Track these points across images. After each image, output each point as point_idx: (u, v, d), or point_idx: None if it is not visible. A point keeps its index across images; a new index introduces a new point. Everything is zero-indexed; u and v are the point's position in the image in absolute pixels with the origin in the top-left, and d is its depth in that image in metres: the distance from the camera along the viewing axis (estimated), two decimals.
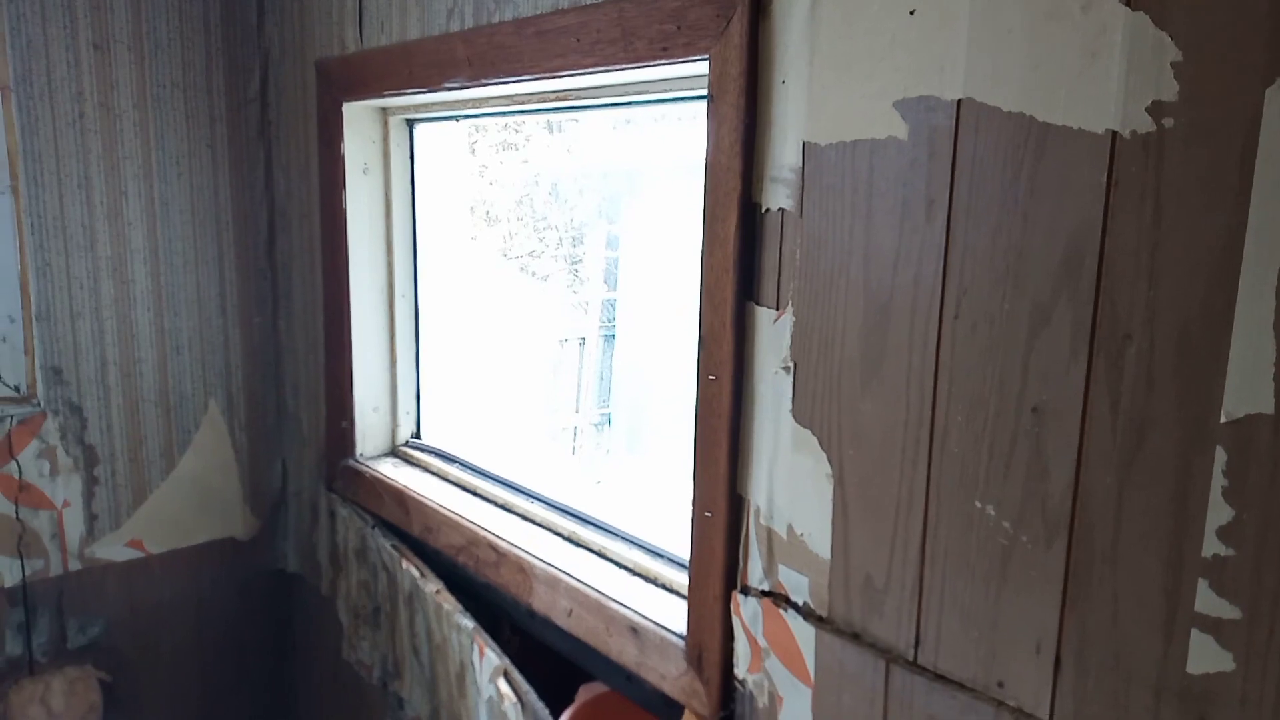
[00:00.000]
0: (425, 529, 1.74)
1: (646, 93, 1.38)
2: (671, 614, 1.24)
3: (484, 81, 1.48)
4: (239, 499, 2.17)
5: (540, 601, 1.45)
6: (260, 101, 2.05)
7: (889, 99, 0.91)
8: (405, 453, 1.97)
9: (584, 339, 5.33)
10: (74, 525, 1.97)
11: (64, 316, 1.89)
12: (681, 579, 1.27)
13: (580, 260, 5.48)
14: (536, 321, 4.98)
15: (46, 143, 1.82)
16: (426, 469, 1.89)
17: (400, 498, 1.79)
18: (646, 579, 1.34)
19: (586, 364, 5.29)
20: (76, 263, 1.88)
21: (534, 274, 5.06)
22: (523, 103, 1.60)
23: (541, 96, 1.54)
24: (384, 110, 1.83)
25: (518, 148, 4.76)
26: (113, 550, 2.02)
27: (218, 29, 1.97)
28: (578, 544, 1.52)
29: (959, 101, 0.85)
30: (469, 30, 1.48)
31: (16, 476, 1.89)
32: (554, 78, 1.38)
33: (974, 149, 0.85)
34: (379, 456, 1.97)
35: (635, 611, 1.25)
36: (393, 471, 1.88)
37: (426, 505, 1.73)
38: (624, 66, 1.24)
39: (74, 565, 1.98)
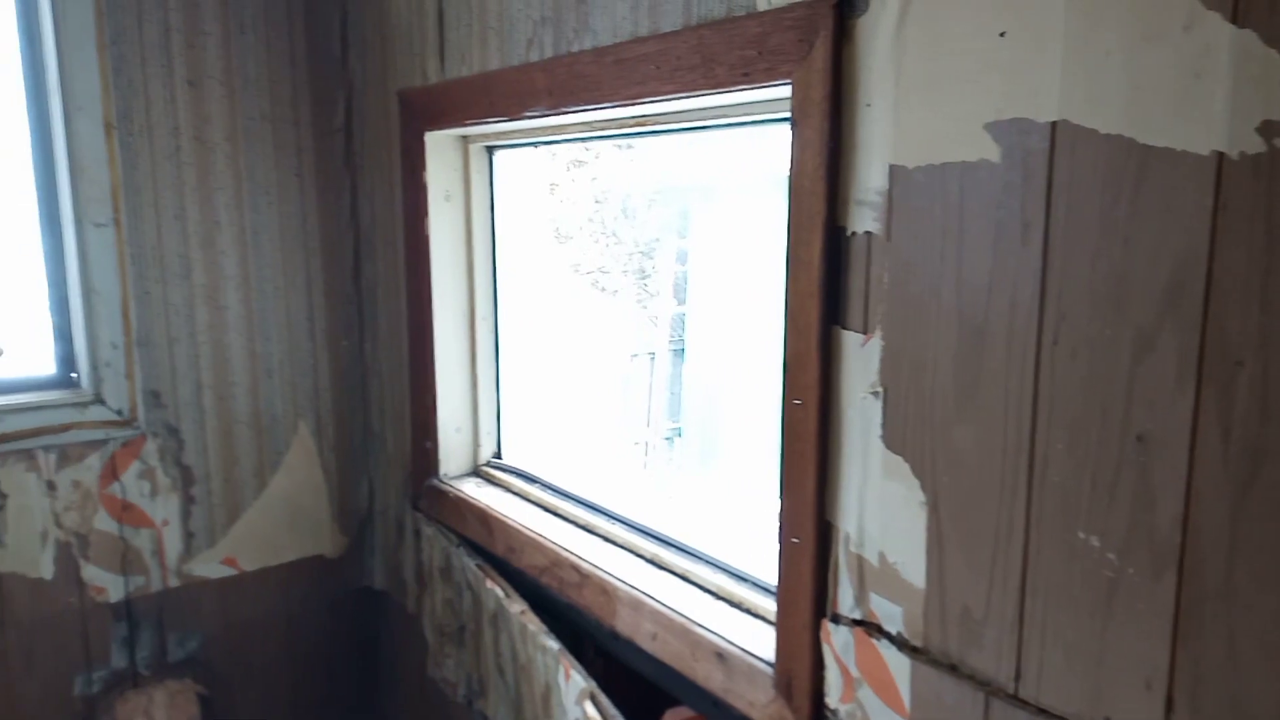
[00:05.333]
0: (508, 549, 1.76)
1: (726, 117, 1.39)
2: (759, 640, 1.23)
3: (563, 109, 1.50)
4: (328, 517, 2.23)
5: (624, 624, 1.46)
6: (345, 132, 2.11)
7: (979, 121, 0.90)
8: (487, 472, 2.00)
9: (654, 354, 5.35)
10: (173, 543, 2.05)
11: (162, 342, 1.97)
12: (767, 605, 1.26)
13: (650, 275, 5.50)
14: (607, 337, 5.01)
15: (145, 176, 1.90)
16: (508, 489, 1.92)
17: (483, 517, 1.82)
18: (731, 604, 1.33)
19: (656, 379, 5.30)
20: (173, 290, 1.97)
21: (604, 289, 5.10)
22: (601, 129, 1.62)
23: (620, 123, 1.55)
24: (465, 138, 1.87)
25: (587, 164, 4.81)
26: (209, 567, 2.10)
27: (304, 63, 2.04)
28: (660, 566, 1.52)
29: (1054, 124, 0.84)
30: (548, 60, 1.50)
31: (120, 496, 1.98)
32: (633, 104, 1.39)
33: (1070, 171, 0.83)
34: (462, 476, 2.00)
35: (721, 637, 1.25)
36: (475, 491, 1.91)
37: (509, 525, 1.76)
38: (704, 92, 1.25)
39: (173, 581, 2.06)
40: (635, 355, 5.23)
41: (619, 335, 5.13)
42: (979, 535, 0.93)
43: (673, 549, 1.52)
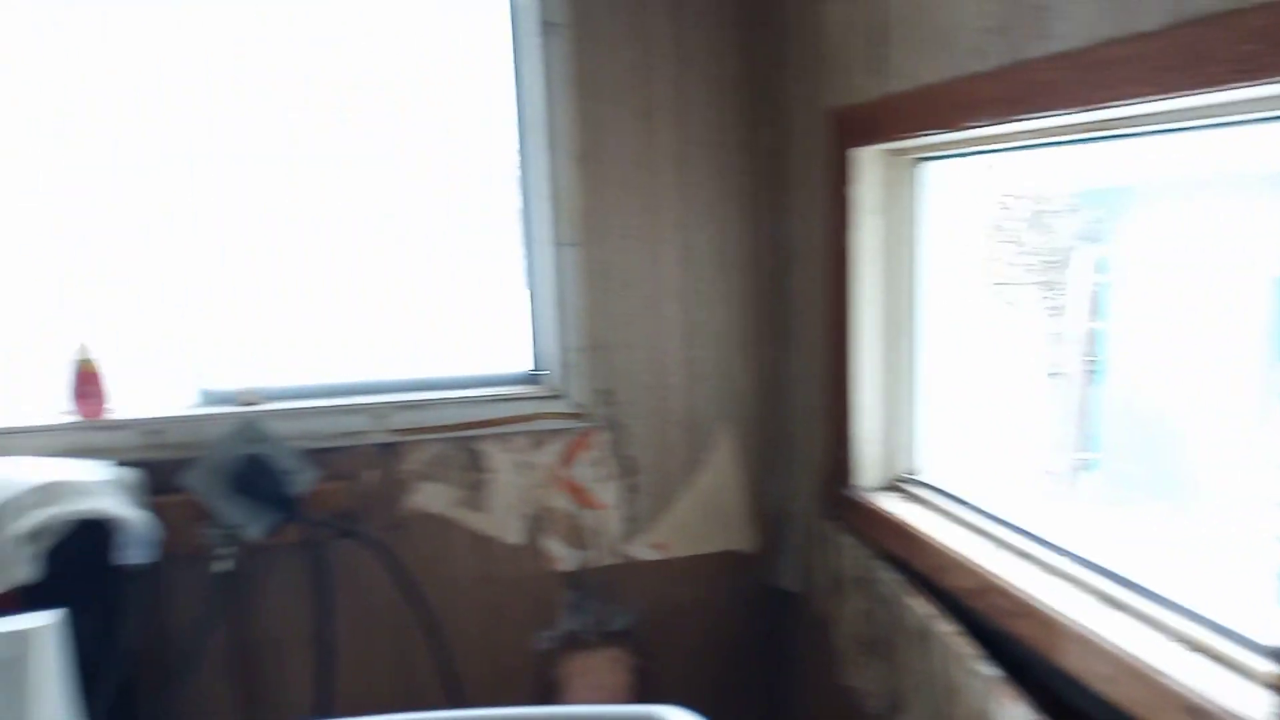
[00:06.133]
0: (932, 567, 1.74)
1: (1207, 117, 1.26)
2: (1244, 699, 1.10)
3: (1010, 118, 1.46)
4: (745, 516, 2.38)
5: (1069, 661, 1.37)
6: (776, 152, 2.24)
7: None
8: (903, 487, 2.00)
9: (1064, 374, 4.92)
10: (614, 525, 2.31)
11: (613, 346, 2.23)
12: (1256, 663, 1.13)
13: (1060, 287, 5.07)
14: (1012, 354, 4.71)
15: (606, 201, 2.17)
16: (928, 505, 1.90)
17: (903, 533, 1.82)
18: (1208, 655, 1.20)
19: (1068, 402, 4.86)
20: (625, 301, 2.22)
21: (1009, 302, 4.80)
22: (1048, 135, 1.55)
23: (1074, 128, 1.47)
24: (894, 152, 1.89)
25: (994, 168, 4.57)
26: (642, 550, 2.33)
27: (741, 90, 2.20)
28: (1114, 604, 1.41)
29: None
30: (997, 70, 1.47)
31: (575, 480, 2.27)
32: (1094, 110, 1.32)
33: None
34: (877, 489, 2.02)
35: (1194, 691, 1.13)
36: (892, 505, 1.92)
37: (933, 544, 1.73)
38: (1187, 92, 1.15)
39: (613, 559, 2.32)
40: (1047, 375, 4.86)
41: (1023, 352, 4.80)
42: None
43: (1127, 587, 1.40)
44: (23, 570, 1.64)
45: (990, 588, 1.56)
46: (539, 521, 2.26)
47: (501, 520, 2.24)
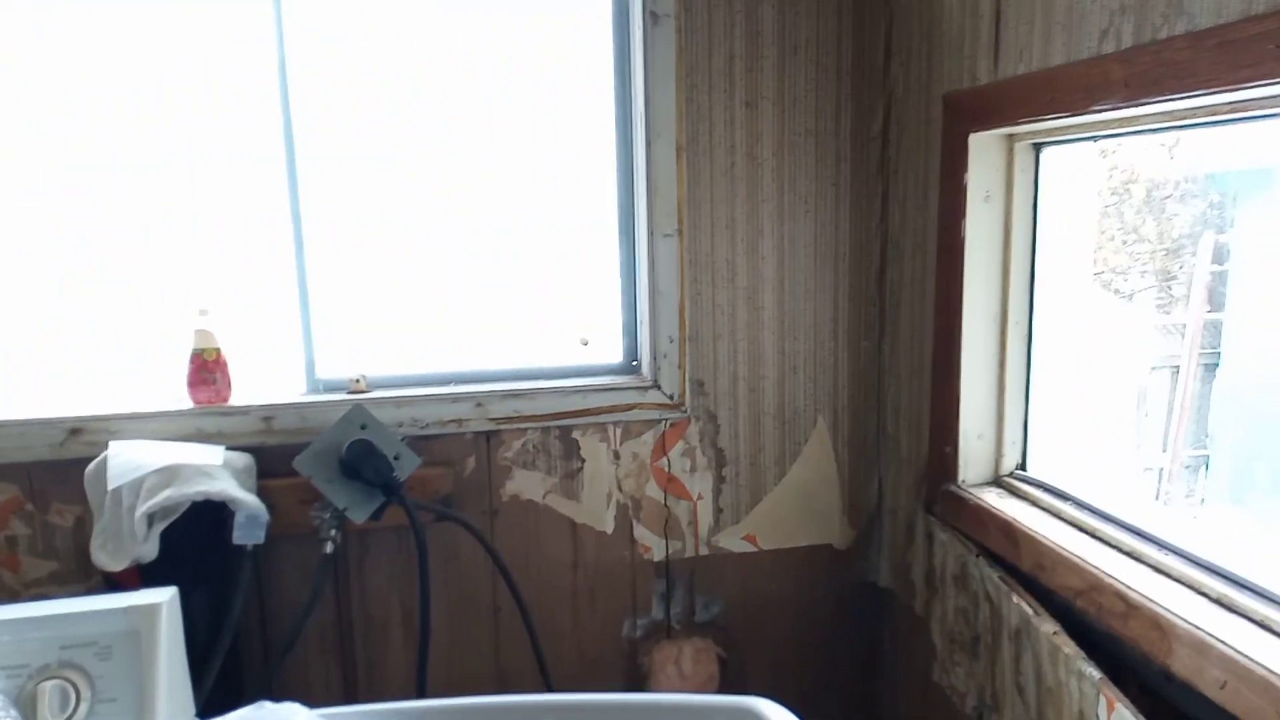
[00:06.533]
0: (1036, 566, 1.68)
1: None
2: None
3: (1140, 101, 1.38)
4: (838, 510, 2.33)
5: (1181, 665, 1.31)
6: (882, 139, 2.17)
7: None
8: (1010, 483, 1.93)
9: (1177, 367, 4.69)
10: (705, 516, 2.29)
11: (707, 338, 2.21)
12: None
13: (1175, 276, 4.83)
14: (1124, 346, 4.51)
15: (704, 191, 2.14)
16: (1035, 503, 1.83)
17: (1008, 530, 1.76)
18: None
19: (1180, 396, 4.64)
20: (720, 292, 2.19)
21: (1119, 292, 4.59)
22: (1180, 119, 1.46)
23: (1208, 110, 1.38)
24: (1010, 137, 1.81)
25: (1107, 154, 4.37)
26: (732, 541, 2.31)
27: (848, 76, 2.14)
28: (1231, 609, 1.34)
29: None
30: (1127, 50, 1.39)
31: (666, 470, 2.26)
32: (1235, 90, 1.24)
33: None
34: (982, 485, 1.95)
35: None
36: (998, 502, 1.86)
37: (1038, 541, 1.68)
38: None
39: (703, 550, 2.31)
40: (1155, 368, 4.64)
41: (1136, 345, 4.59)
42: None
43: (1245, 590, 1.33)
44: (144, 548, 1.71)
45: (1098, 587, 1.51)
46: (631, 510, 2.26)
47: (594, 508, 2.24)
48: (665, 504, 2.28)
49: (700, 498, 2.29)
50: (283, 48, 2.01)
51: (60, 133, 2.04)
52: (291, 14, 2.01)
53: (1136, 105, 1.39)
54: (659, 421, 2.23)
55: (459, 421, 2.12)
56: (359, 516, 1.87)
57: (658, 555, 2.30)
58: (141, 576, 1.75)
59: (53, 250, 2.09)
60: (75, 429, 1.95)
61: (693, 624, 2.34)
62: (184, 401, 2.04)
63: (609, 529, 2.26)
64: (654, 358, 2.20)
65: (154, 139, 2.07)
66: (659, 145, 2.08)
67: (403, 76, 2.12)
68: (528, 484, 2.20)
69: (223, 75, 2.06)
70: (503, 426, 2.15)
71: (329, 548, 1.89)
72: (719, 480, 2.28)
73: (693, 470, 2.27)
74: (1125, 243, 4.50)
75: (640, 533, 2.28)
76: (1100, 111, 1.47)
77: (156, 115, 2.06)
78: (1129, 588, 1.45)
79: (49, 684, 1.39)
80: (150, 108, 2.06)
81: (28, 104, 2.02)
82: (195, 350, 2.01)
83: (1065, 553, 1.60)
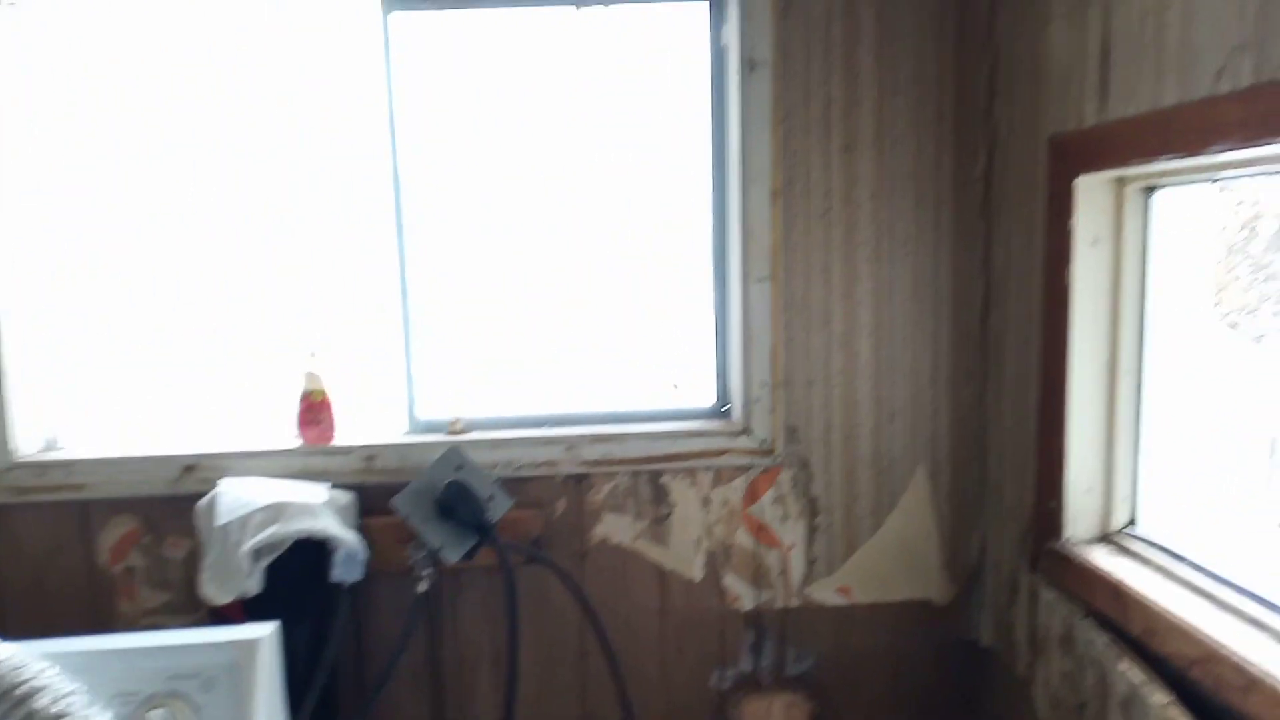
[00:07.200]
0: (1146, 631, 1.58)
1: None
2: None
3: (1263, 142, 1.31)
4: (937, 564, 2.25)
5: None
6: (984, 181, 2.12)
7: None
8: (1119, 542, 1.83)
9: None
10: (796, 565, 2.24)
11: (801, 383, 2.18)
12: None
13: None
14: (1249, 395, 4.23)
15: (800, 235, 2.13)
16: (1145, 562, 1.73)
17: (1116, 592, 1.66)
18: None
19: None
20: (814, 337, 2.16)
21: (1247, 336, 4.33)
22: None
23: None
24: (1120, 180, 1.74)
25: (1229, 189, 4.15)
26: (825, 593, 2.25)
27: (948, 118, 2.10)
28: None
29: None
30: (1245, 90, 1.32)
31: (757, 517, 2.23)
32: None
33: None
34: (1089, 542, 1.86)
35: None
36: (1106, 561, 1.76)
37: (1149, 606, 1.58)
38: None
39: (794, 601, 2.25)
40: None
41: (1263, 393, 4.30)
42: None
43: None
44: (248, 582, 1.78)
45: (1215, 657, 1.41)
46: (720, 558, 2.23)
47: (683, 555, 2.22)
48: (755, 552, 2.24)
49: (792, 547, 2.24)
50: (391, 100, 2.10)
51: (189, 181, 2.17)
52: (400, 67, 2.10)
53: (1258, 145, 1.32)
54: (750, 467, 2.20)
55: (550, 464, 2.14)
56: (452, 557, 1.90)
57: (747, 604, 2.25)
58: (245, 610, 1.82)
59: (176, 297, 2.22)
60: (190, 466, 2.05)
61: (783, 677, 2.28)
62: (292, 440, 2.12)
63: (697, 576, 2.23)
64: (746, 403, 2.17)
65: (274, 190, 2.19)
66: (754, 190, 2.08)
67: (503, 126, 2.19)
68: (617, 528, 2.20)
69: (333, 124, 2.17)
70: (592, 470, 2.16)
71: (423, 586, 1.93)
72: (811, 529, 2.23)
73: (784, 519, 2.23)
74: (1254, 281, 4.25)
75: (729, 581, 2.24)
76: (1217, 153, 1.40)
77: (277, 167, 2.18)
78: (1250, 660, 1.35)
79: (157, 712, 1.45)
80: (269, 159, 2.18)
81: (153, 148, 2.16)
82: (305, 391, 2.09)
83: (1178, 618, 1.51)
